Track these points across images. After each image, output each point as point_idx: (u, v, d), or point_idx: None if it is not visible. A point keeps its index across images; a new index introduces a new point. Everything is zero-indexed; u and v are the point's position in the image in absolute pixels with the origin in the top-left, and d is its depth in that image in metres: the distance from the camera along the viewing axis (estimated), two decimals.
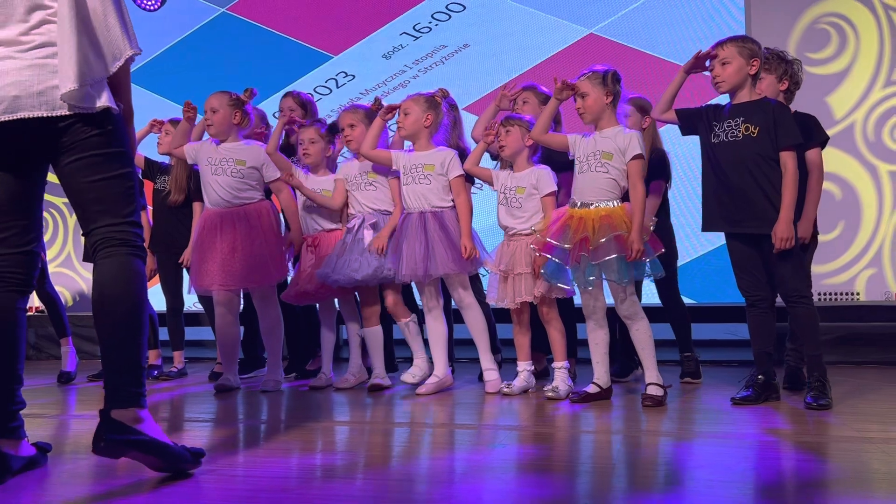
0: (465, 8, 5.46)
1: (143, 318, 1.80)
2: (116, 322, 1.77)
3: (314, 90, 5.72)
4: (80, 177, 1.78)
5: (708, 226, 3.04)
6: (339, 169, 3.61)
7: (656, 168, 3.51)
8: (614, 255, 2.84)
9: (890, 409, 2.85)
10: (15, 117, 1.71)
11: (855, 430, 2.38)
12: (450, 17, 5.49)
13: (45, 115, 1.72)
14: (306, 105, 4.04)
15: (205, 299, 4.13)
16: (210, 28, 6.03)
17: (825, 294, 4.60)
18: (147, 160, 4.34)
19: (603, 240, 2.85)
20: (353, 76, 5.66)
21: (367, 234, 3.37)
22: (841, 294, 4.62)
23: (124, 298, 1.77)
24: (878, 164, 4.64)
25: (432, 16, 5.52)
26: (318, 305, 3.73)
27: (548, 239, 2.99)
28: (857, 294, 4.60)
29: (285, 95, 4.11)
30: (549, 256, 2.97)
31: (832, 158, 4.67)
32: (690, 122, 3.05)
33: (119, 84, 1.89)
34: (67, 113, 1.73)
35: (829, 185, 4.59)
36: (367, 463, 2.03)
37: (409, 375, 3.39)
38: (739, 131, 2.89)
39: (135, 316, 1.78)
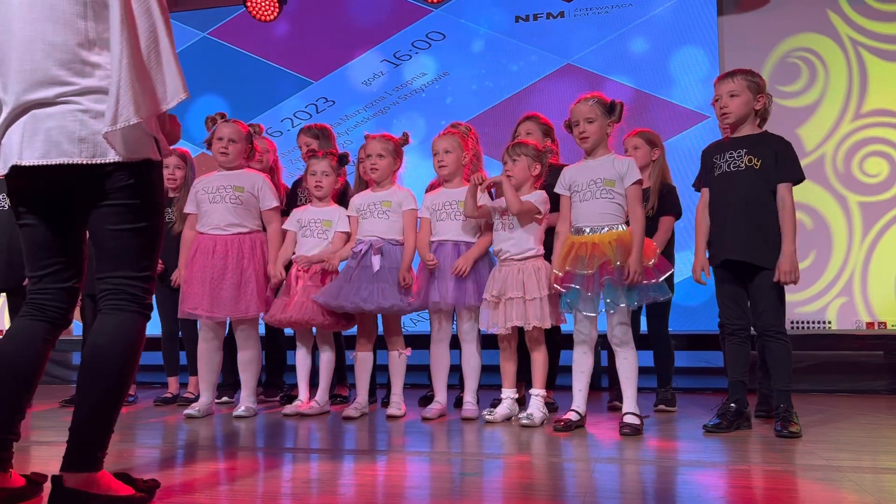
0: (444, 37, 5.53)
1: (129, 381, 1.78)
2: (103, 380, 1.73)
3: (294, 115, 5.75)
4: (106, 223, 1.76)
5: (715, 261, 3.06)
6: (351, 203, 3.61)
7: (666, 204, 3.55)
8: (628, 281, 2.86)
9: (860, 437, 2.88)
10: (53, 162, 1.69)
11: (824, 458, 2.40)
12: (429, 45, 5.56)
13: (84, 162, 1.69)
14: (320, 135, 4.08)
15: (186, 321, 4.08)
16: (191, 52, 6.05)
17: (797, 323, 4.67)
18: None
19: (618, 262, 2.87)
20: (334, 102, 5.70)
21: (375, 261, 3.39)
22: (813, 322, 4.69)
23: (118, 359, 1.75)
24: (847, 194, 4.74)
25: (412, 44, 5.59)
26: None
27: (567, 268, 2.96)
28: (829, 323, 4.67)
29: (301, 132, 4.13)
30: (572, 285, 2.95)
31: (803, 189, 4.75)
32: (705, 154, 3.13)
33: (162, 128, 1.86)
34: (107, 161, 1.71)
35: (800, 216, 4.67)
36: (335, 492, 2.02)
37: (395, 408, 3.41)
38: (742, 162, 2.96)
39: (123, 379, 1.75)
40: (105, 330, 1.77)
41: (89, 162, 1.70)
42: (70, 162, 1.69)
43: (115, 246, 1.77)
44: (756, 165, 2.95)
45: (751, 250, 2.92)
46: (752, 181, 2.94)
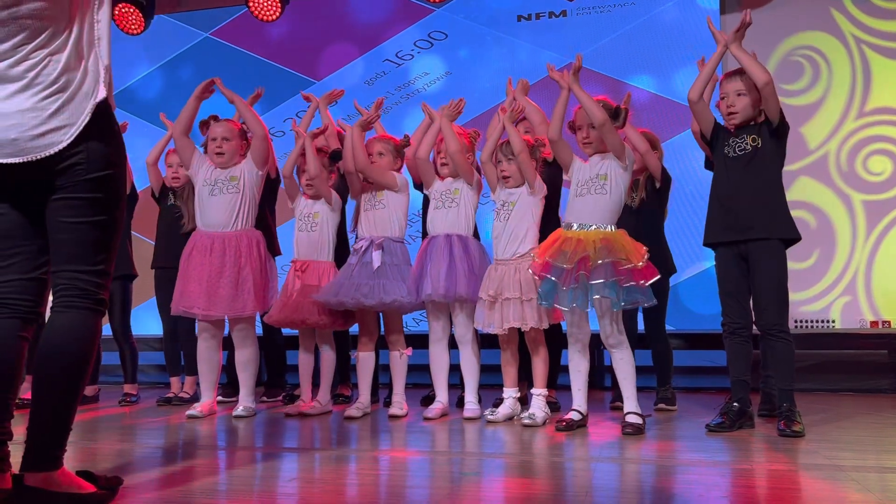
0: (446, 36, 5.53)
1: (84, 379, 1.76)
2: (59, 381, 1.72)
3: (296, 115, 5.74)
4: (61, 215, 1.73)
5: (710, 238, 3.07)
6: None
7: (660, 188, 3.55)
8: (611, 279, 2.83)
9: (864, 436, 2.87)
10: (10, 161, 1.66)
11: (827, 458, 2.39)
12: (432, 44, 5.55)
13: (40, 156, 1.66)
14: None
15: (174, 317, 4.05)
16: (194, 52, 6.05)
17: (801, 321, 4.65)
18: (164, 186, 4.25)
19: (600, 261, 2.85)
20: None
21: (376, 257, 3.40)
22: (816, 322, 4.67)
23: (73, 360, 1.72)
24: (851, 193, 4.72)
25: (414, 43, 5.58)
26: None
27: (546, 258, 2.96)
28: (833, 322, 4.66)
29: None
30: (547, 276, 2.95)
31: (808, 187, 4.74)
32: (716, 128, 3.11)
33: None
34: (63, 148, 1.68)
35: (804, 214, 4.66)
36: (337, 491, 2.01)
37: (397, 408, 3.40)
38: (747, 143, 2.97)
39: (78, 378, 1.73)
40: (58, 330, 1.74)
41: (47, 154, 1.67)
42: (26, 160, 1.66)
43: (70, 239, 1.74)
44: (759, 145, 2.97)
45: (753, 225, 2.92)
46: (753, 162, 2.96)
